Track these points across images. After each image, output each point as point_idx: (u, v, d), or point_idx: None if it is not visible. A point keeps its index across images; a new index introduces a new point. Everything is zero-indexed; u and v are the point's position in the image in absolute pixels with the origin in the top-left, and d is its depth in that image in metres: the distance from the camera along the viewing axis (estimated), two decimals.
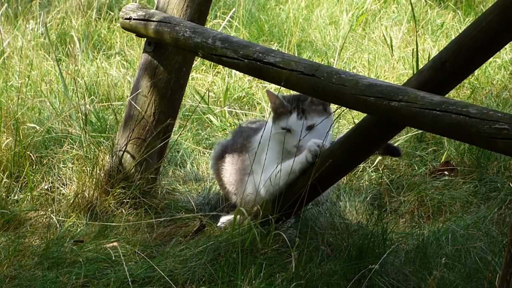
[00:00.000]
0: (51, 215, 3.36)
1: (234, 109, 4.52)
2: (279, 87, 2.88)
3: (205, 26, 3.45)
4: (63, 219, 3.37)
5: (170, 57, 3.49)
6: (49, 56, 4.98)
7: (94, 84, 4.61)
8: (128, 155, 3.51)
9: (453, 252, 3.08)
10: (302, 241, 2.97)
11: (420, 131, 4.01)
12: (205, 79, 4.90)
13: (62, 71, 4.41)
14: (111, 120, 4.10)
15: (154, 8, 3.51)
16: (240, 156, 3.32)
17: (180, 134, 4.07)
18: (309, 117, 3.09)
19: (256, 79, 4.71)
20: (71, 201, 3.47)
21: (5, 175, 3.60)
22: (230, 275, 2.85)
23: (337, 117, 2.95)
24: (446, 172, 3.82)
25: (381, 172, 3.86)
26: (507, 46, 4.88)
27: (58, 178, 3.68)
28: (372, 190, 3.70)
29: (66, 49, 5.09)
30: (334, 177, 3.05)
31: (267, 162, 3.11)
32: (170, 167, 3.93)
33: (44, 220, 3.41)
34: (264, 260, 2.84)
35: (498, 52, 3.32)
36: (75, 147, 3.74)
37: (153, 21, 3.36)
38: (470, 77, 4.65)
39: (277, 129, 3.13)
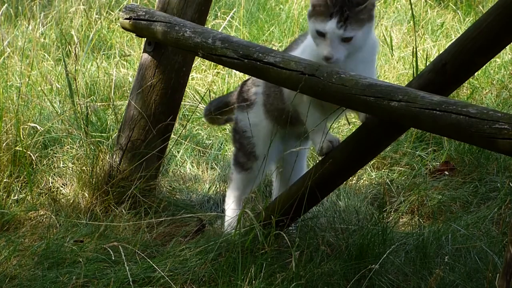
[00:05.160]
0: (51, 215, 3.36)
1: None
2: None
3: (205, 26, 3.45)
4: (63, 219, 3.37)
5: (170, 57, 3.48)
6: (49, 56, 4.98)
7: (94, 84, 4.61)
8: (128, 155, 3.51)
9: (453, 252, 3.08)
10: (302, 241, 2.97)
11: (420, 131, 4.01)
12: (205, 79, 4.89)
13: (64, 70, 4.41)
14: (111, 120, 4.10)
15: (154, 8, 3.51)
16: None
17: (180, 134, 4.07)
18: (349, 27, 2.79)
19: None
20: (71, 201, 3.47)
21: (5, 175, 3.60)
22: (230, 275, 2.84)
23: (336, 117, 2.95)
24: (446, 172, 3.82)
25: (381, 172, 3.86)
26: (507, 46, 4.88)
27: (58, 178, 3.68)
28: (372, 190, 3.70)
29: (66, 49, 5.09)
30: (334, 181, 3.02)
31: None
32: (170, 167, 3.93)
33: (44, 220, 3.41)
34: (264, 260, 2.84)
35: None
36: (75, 147, 3.74)
37: (153, 21, 3.36)
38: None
39: (311, 28, 2.85)
